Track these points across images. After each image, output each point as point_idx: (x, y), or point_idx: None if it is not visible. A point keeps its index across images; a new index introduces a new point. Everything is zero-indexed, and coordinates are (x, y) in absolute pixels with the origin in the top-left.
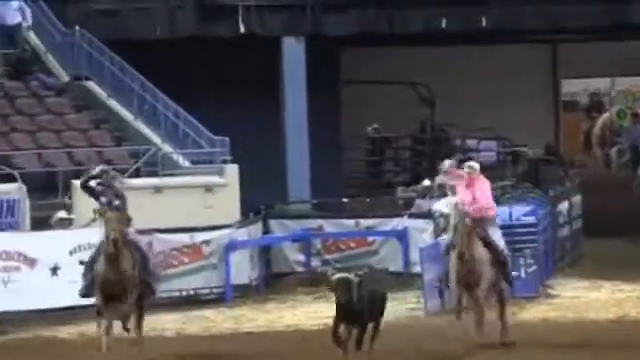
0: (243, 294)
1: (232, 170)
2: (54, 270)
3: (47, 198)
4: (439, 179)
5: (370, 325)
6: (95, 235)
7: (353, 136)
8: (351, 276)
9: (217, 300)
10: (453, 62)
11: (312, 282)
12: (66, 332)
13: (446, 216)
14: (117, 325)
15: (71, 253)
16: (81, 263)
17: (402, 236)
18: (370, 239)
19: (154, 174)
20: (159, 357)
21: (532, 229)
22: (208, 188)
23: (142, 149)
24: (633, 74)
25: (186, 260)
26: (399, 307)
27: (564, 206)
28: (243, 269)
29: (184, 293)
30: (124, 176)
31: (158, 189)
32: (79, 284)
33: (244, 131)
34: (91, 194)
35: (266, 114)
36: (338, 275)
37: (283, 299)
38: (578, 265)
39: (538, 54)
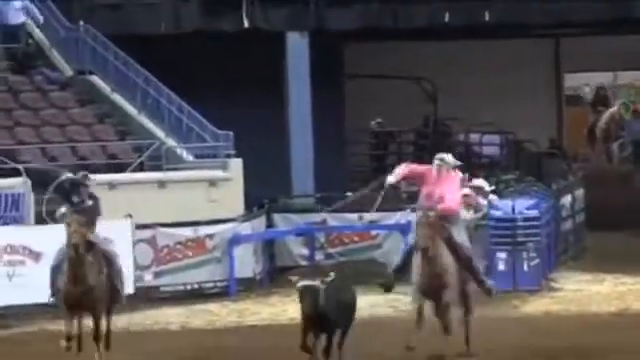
0: (247, 288)
1: (236, 164)
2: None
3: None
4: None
5: (338, 332)
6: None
7: (357, 130)
8: (317, 283)
9: (221, 294)
10: (456, 57)
11: (314, 277)
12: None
13: None
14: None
15: None
16: None
17: (405, 230)
18: (373, 233)
19: (158, 168)
20: (162, 351)
21: (535, 222)
22: (212, 182)
23: (146, 143)
24: (635, 68)
25: (190, 254)
26: (401, 301)
27: (567, 200)
28: (247, 263)
29: (188, 287)
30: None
31: (162, 183)
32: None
33: (248, 125)
34: (62, 194)
35: (270, 109)
36: (303, 283)
37: (287, 292)
38: (581, 258)
39: (541, 48)
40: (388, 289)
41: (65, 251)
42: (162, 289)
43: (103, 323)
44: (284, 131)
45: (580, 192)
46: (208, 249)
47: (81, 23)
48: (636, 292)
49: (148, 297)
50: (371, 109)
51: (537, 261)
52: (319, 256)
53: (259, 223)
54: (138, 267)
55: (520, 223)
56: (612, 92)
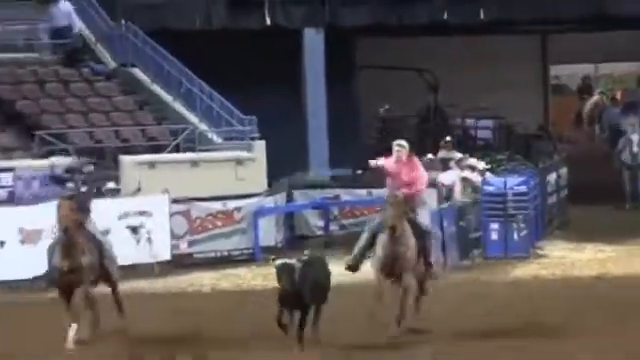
0: (271, 254)
1: (260, 146)
2: (105, 233)
3: (97, 171)
4: (441, 154)
5: (313, 308)
6: (143, 203)
7: (367, 116)
8: (293, 262)
9: (247, 260)
10: (455, 51)
11: (329, 244)
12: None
13: (448, 186)
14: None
15: (119, 218)
16: (127, 227)
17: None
18: (379, 206)
19: (191, 150)
20: (195, 310)
21: (524, 197)
22: (239, 162)
23: (180, 128)
24: (613, 60)
25: (220, 225)
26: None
27: (552, 177)
28: (270, 232)
29: (218, 254)
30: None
31: (195, 163)
32: (125, 247)
33: (270, 111)
34: (57, 182)
35: (290, 96)
36: (280, 262)
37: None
38: (564, 229)
39: (529, 43)
40: (354, 269)
41: (58, 237)
42: (195, 256)
43: (85, 298)
44: (302, 116)
45: (564, 170)
46: (236, 220)
47: (123, 21)
48: (614, 258)
49: (183, 263)
50: (379, 97)
51: (526, 231)
52: (333, 227)
53: (280, 198)
54: (174, 237)
55: (511, 198)
56: (593, 82)
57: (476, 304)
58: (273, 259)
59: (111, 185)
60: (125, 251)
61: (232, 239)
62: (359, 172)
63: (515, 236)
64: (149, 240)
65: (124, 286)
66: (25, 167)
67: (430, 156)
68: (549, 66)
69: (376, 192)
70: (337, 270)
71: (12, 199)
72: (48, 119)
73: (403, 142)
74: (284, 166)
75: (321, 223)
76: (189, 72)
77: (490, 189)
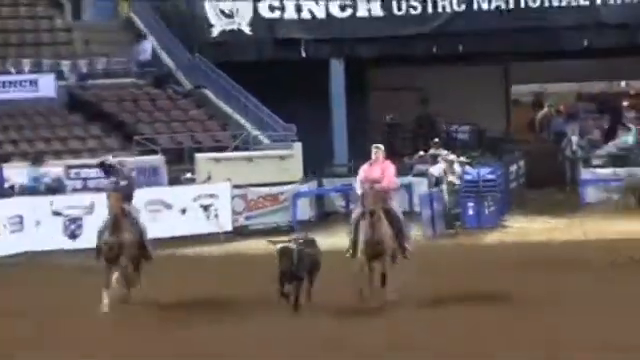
0: (305, 226)
1: (297, 146)
2: (183, 211)
3: (178, 165)
4: (431, 151)
5: (307, 281)
6: (212, 188)
7: (377, 123)
8: (292, 245)
9: (288, 230)
10: (441, 75)
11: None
12: (190, 251)
13: (436, 177)
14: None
15: (194, 200)
16: (200, 206)
17: (408, 187)
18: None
19: (247, 149)
20: (250, 271)
21: (492, 183)
22: (282, 157)
23: (239, 133)
24: (558, 81)
25: (268, 205)
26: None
27: (514, 168)
28: (305, 210)
29: (268, 226)
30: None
31: (250, 159)
32: (199, 221)
33: (305, 121)
34: (105, 173)
35: (319, 110)
36: (280, 245)
37: (331, 230)
38: (522, 207)
39: (496, 69)
40: (354, 255)
41: (107, 220)
42: (250, 227)
43: (131, 273)
44: (328, 124)
45: (522, 163)
46: (280, 201)
47: (197, 55)
48: (559, 228)
49: (241, 233)
50: (386, 109)
51: (494, 208)
52: (352, 206)
53: (313, 184)
54: (234, 213)
55: (482, 183)
56: (543, 98)
57: (458, 261)
58: (274, 242)
59: (188, 175)
60: (198, 224)
61: (277, 215)
62: None
63: (486, 211)
64: (216, 216)
65: (195, 250)
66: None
67: (421, 153)
68: (510, 86)
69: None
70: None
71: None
72: (142, 127)
73: (380, 145)
74: (315, 161)
75: (343, 203)
76: (245, 92)
77: (468, 177)
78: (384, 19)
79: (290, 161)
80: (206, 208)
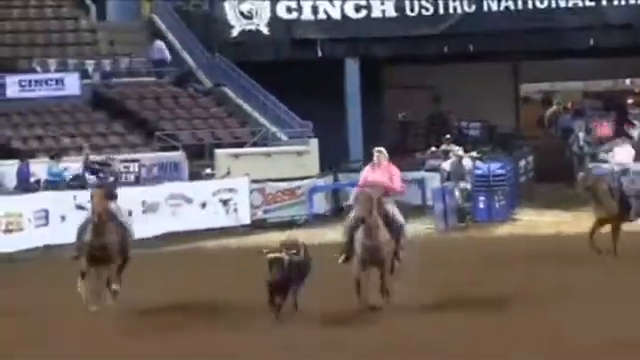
0: (321, 219)
1: (314, 142)
2: (203, 205)
3: (198, 160)
4: (443, 147)
5: (294, 289)
6: (231, 183)
7: (390, 120)
8: (283, 255)
9: (304, 223)
10: (453, 73)
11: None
12: (211, 244)
13: (447, 172)
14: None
15: (214, 194)
16: (220, 200)
17: (420, 182)
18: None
19: (265, 145)
20: None
21: (502, 177)
22: (299, 153)
23: (257, 129)
24: (565, 80)
25: (286, 198)
26: (420, 227)
27: (523, 163)
28: (321, 204)
29: (285, 219)
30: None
31: (268, 154)
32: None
33: (321, 118)
34: (91, 172)
35: (335, 107)
36: (272, 255)
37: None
38: (531, 201)
39: (506, 68)
40: (348, 259)
41: (90, 217)
42: (268, 221)
43: (114, 274)
44: (344, 121)
45: (530, 158)
46: (297, 195)
47: (217, 54)
48: (566, 222)
49: (259, 226)
50: (399, 107)
51: (504, 202)
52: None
53: (329, 179)
54: (253, 207)
55: (493, 177)
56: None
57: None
58: (266, 252)
59: (208, 171)
60: (217, 218)
61: (294, 208)
62: None
63: (496, 205)
64: (235, 209)
65: (216, 243)
66: (147, 158)
67: (434, 149)
68: (520, 84)
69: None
70: None
71: (137, 181)
72: (163, 124)
73: (382, 149)
74: (331, 157)
75: None
76: (263, 90)
77: (479, 172)
78: (397, 20)
79: (307, 157)
80: (225, 202)
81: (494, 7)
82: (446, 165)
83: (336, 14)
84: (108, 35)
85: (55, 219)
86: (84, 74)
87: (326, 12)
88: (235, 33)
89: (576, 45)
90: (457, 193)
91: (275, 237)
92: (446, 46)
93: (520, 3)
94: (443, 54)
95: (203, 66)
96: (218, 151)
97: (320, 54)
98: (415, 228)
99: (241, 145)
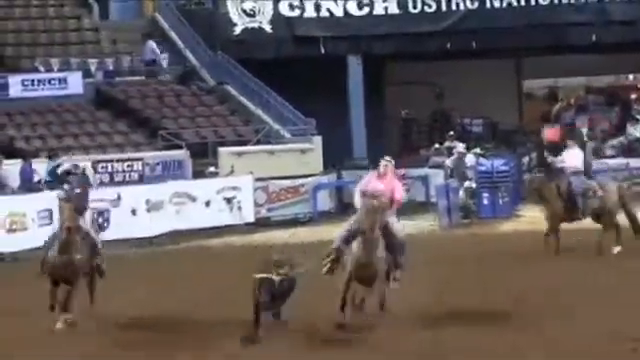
0: (325, 217)
1: (317, 140)
2: (207, 203)
3: (202, 159)
4: (446, 144)
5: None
6: (235, 181)
7: (393, 117)
8: (273, 276)
9: (309, 221)
10: (455, 70)
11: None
12: (215, 242)
13: (451, 168)
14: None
15: (218, 192)
16: (224, 198)
17: (424, 179)
18: (405, 181)
19: (269, 143)
20: None
21: (506, 174)
22: (303, 151)
23: (260, 127)
24: (568, 75)
25: (290, 196)
26: (423, 224)
27: (526, 159)
28: (325, 201)
29: (289, 217)
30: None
31: (272, 152)
32: (222, 213)
33: (325, 115)
34: (59, 181)
35: (338, 104)
36: (261, 276)
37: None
38: (534, 197)
39: (509, 64)
40: (330, 272)
41: (58, 233)
42: (272, 219)
43: (77, 293)
44: (347, 119)
45: (534, 155)
46: (301, 193)
47: (219, 52)
48: None
49: (263, 224)
50: (401, 104)
51: (507, 198)
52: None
53: (332, 176)
54: (256, 205)
55: (496, 174)
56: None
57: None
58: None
59: (211, 169)
60: (221, 216)
61: (298, 206)
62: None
63: (500, 202)
64: (239, 208)
65: (220, 241)
66: (150, 157)
67: (437, 145)
68: (522, 80)
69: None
70: None
71: (141, 180)
72: (166, 122)
73: (390, 159)
74: (335, 154)
75: None
76: (266, 88)
77: (482, 168)
78: (400, 17)
79: (310, 154)
80: (229, 200)
81: (497, 4)
82: (449, 162)
83: (339, 11)
84: (111, 34)
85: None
86: (87, 73)
87: (328, 9)
88: (238, 31)
89: (579, 41)
90: (461, 192)
91: (279, 235)
92: (449, 43)
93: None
94: (446, 51)
95: (206, 64)
96: (221, 149)
97: (323, 51)
98: (419, 225)
99: (244, 143)
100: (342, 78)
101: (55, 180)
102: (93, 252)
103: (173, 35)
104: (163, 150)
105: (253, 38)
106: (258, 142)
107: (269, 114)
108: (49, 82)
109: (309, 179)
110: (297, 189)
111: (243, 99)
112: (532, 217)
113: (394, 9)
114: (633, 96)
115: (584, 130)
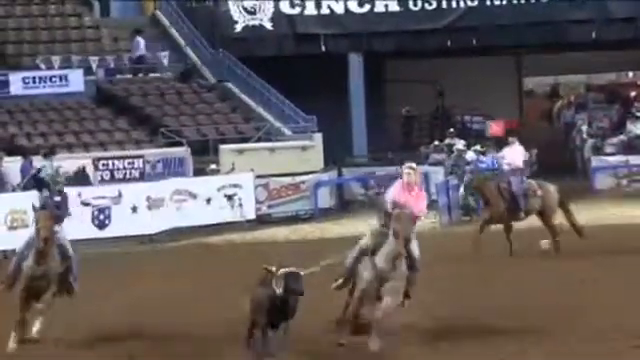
0: (326, 214)
1: (318, 137)
2: (208, 201)
3: (203, 156)
4: (447, 141)
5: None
6: (235, 179)
7: (394, 115)
8: (278, 292)
9: (309, 218)
10: (456, 67)
11: (368, 204)
12: (217, 240)
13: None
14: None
15: (218, 190)
16: (225, 195)
17: (425, 176)
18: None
19: (270, 140)
20: (273, 254)
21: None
22: (303, 148)
23: (261, 125)
24: (568, 73)
25: (290, 193)
26: (424, 222)
27: (526, 156)
28: (326, 198)
29: (289, 214)
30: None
31: (272, 149)
32: (223, 210)
33: (325, 113)
34: (37, 186)
35: (339, 102)
36: (266, 293)
37: (350, 217)
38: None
39: (509, 61)
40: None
41: (32, 242)
42: (273, 215)
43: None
44: (347, 116)
45: (534, 151)
46: (301, 190)
47: (220, 50)
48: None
49: (263, 221)
50: (402, 101)
51: None
52: (370, 193)
53: (333, 173)
54: (257, 202)
55: (496, 171)
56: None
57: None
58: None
59: (212, 166)
60: (223, 213)
61: (298, 203)
62: (389, 154)
63: None
64: (240, 205)
65: (220, 238)
66: (151, 154)
67: (437, 142)
68: (523, 78)
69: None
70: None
71: (142, 177)
72: (168, 120)
73: (414, 166)
74: (335, 151)
75: (362, 191)
76: (267, 85)
77: (482, 165)
78: (400, 14)
79: (311, 152)
80: (230, 197)
81: (497, 1)
82: (449, 161)
83: (339, 9)
84: (111, 32)
85: None
86: (88, 71)
87: (329, 7)
88: (239, 28)
89: (579, 38)
90: (461, 190)
91: (280, 232)
92: (449, 40)
93: None
94: (446, 48)
95: (207, 62)
96: (222, 147)
97: (324, 49)
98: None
99: (245, 140)
100: (343, 76)
101: (36, 185)
102: (68, 267)
103: (174, 32)
104: (164, 147)
105: (254, 36)
106: (259, 139)
107: (270, 111)
108: (50, 80)
109: (310, 176)
110: (298, 186)
111: (244, 97)
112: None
113: (395, 7)
114: (633, 93)
115: (584, 128)
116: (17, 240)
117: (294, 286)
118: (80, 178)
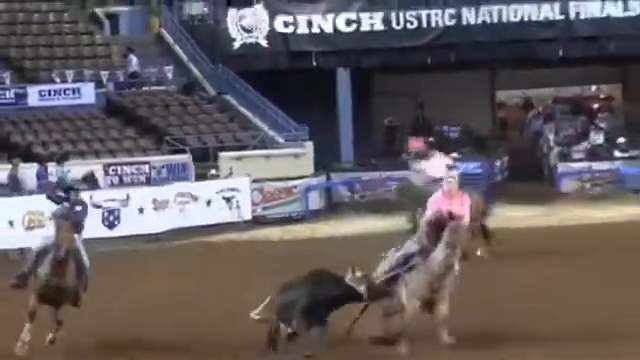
0: (316, 215)
1: (309, 145)
2: (208, 203)
3: (204, 162)
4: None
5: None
6: (233, 183)
7: (378, 125)
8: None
9: (301, 219)
10: (435, 81)
11: (354, 208)
12: (217, 239)
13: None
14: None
15: (218, 193)
16: (223, 198)
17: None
18: (388, 183)
19: (265, 147)
20: (269, 253)
21: (479, 176)
22: (295, 155)
23: (257, 133)
24: (537, 87)
25: (283, 196)
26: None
27: (498, 163)
28: (315, 201)
29: (283, 215)
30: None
31: (267, 156)
32: (222, 211)
33: (316, 123)
34: (56, 201)
35: (328, 113)
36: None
37: (338, 218)
38: (505, 197)
39: (483, 75)
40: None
41: (53, 248)
42: (267, 216)
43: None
44: (336, 126)
45: (506, 158)
46: (294, 193)
47: (220, 65)
48: (537, 215)
49: (259, 221)
50: (386, 112)
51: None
52: (356, 197)
53: (322, 178)
54: (253, 204)
55: (470, 176)
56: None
57: None
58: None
59: (212, 172)
60: (222, 214)
61: (291, 205)
62: (373, 161)
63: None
64: (237, 206)
65: (221, 237)
66: (157, 161)
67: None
68: (496, 91)
69: (385, 174)
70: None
71: (148, 181)
72: (172, 129)
73: (454, 173)
74: (324, 158)
75: (349, 194)
76: (262, 97)
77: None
78: (385, 33)
79: (302, 158)
80: (228, 200)
81: (472, 21)
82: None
83: (329, 28)
84: (121, 48)
85: None
86: (99, 84)
87: (320, 26)
88: (237, 45)
89: (547, 55)
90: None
91: (274, 232)
92: (429, 57)
93: (496, 17)
94: (427, 64)
95: (208, 76)
96: (222, 154)
97: (315, 65)
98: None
99: (243, 148)
100: (332, 89)
101: (57, 198)
102: (81, 280)
103: (177, 49)
104: (168, 154)
105: (251, 52)
106: (255, 147)
107: (265, 121)
108: (64, 92)
109: (301, 180)
110: (290, 190)
111: (242, 108)
112: (503, 217)
113: (380, 26)
114: (596, 106)
115: (551, 137)
116: (34, 239)
117: (374, 289)
118: (89, 182)
